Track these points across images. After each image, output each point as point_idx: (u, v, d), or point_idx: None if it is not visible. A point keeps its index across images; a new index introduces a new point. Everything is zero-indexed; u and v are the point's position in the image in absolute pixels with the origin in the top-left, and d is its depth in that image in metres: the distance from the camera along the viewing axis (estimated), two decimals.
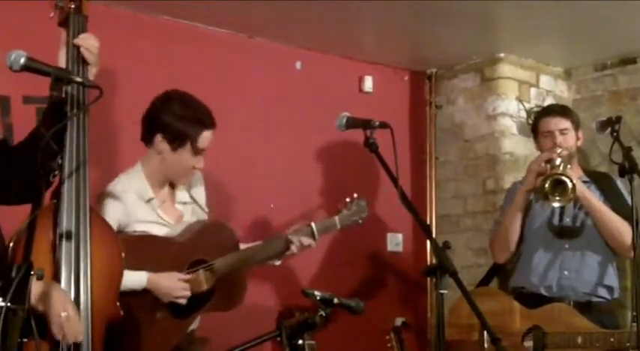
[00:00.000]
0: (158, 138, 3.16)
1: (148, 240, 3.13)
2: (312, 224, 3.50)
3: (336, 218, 3.58)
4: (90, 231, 2.53)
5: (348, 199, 3.63)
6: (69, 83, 2.43)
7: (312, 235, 3.48)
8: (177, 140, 3.15)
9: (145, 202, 3.18)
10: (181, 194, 3.33)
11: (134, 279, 2.96)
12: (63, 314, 2.38)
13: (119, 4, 4.01)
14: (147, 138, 3.22)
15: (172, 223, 3.24)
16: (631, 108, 4.80)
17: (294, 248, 3.43)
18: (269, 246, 3.44)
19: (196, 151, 3.18)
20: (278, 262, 3.56)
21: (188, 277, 3.12)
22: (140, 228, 3.14)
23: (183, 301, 3.10)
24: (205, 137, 3.19)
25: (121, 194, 3.14)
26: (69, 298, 2.45)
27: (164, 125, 3.16)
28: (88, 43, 2.68)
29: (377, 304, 4.44)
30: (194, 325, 3.30)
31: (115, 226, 3.02)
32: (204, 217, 3.40)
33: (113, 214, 3.07)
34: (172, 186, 3.31)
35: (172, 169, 3.21)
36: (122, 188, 3.16)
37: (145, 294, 3.05)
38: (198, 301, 3.17)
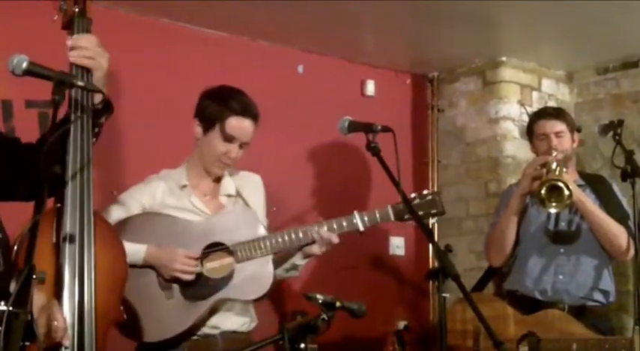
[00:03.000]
0: (195, 122, 3.20)
1: (161, 219, 3.11)
2: (355, 213, 3.21)
3: (377, 211, 3.21)
4: (94, 234, 2.53)
5: (413, 194, 3.24)
6: (71, 87, 2.42)
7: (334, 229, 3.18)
8: (207, 122, 3.17)
9: (179, 189, 3.20)
10: (227, 187, 3.27)
11: (131, 250, 2.86)
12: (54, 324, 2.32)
13: (120, 6, 4.02)
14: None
15: (210, 214, 3.20)
16: (633, 111, 4.80)
17: (315, 248, 3.18)
18: (291, 236, 3.18)
19: (225, 137, 3.13)
20: (297, 273, 3.34)
21: (194, 254, 3.03)
22: (168, 213, 3.15)
23: (187, 277, 3.00)
24: (234, 123, 3.13)
25: (152, 180, 3.22)
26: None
27: (199, 109, 3.21)
28: (80, 43, 2.56)
29: (379, 307, 4.42)
30: (247, 327, 3.20)
31: (139, 207, 3.10)
32: None
33: (138, 194, 3.15)
34: (217, 180, 3.27)
35: (204, 154, 3.20)
36: (157, 176, 3.24)
37: (154, 272, 3.03)
38: (215, 288, 3.06)
